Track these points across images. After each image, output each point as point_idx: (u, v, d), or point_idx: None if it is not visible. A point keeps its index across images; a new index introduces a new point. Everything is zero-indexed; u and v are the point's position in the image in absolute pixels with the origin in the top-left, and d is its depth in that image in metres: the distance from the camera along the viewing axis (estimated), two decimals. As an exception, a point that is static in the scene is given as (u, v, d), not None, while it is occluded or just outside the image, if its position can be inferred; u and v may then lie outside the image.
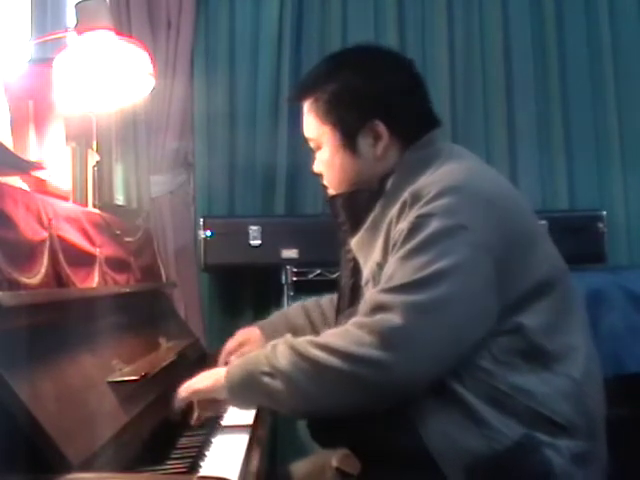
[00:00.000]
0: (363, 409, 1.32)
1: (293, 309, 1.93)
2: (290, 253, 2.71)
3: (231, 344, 1.85)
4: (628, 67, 3.11)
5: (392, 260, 1.36)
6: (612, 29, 3.10)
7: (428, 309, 1.28)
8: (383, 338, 1.27)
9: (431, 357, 1.29)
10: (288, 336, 1.40)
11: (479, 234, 1.33)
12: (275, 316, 1.92)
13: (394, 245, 1.38)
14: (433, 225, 1.33)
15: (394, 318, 1.27)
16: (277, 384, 1.32)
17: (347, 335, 1.31)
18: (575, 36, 3.11)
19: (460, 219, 1.33)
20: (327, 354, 1.29)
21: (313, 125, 1.56)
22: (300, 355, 1.32)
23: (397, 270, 1.33)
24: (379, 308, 1.30)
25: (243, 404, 1.45)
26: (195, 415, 1.47)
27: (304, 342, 1.34)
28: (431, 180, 1.41)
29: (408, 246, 1.34)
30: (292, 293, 2.73)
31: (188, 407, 1.48)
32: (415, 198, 1.38)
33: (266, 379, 1.34)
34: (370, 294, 1.37)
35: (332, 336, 1.34)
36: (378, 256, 1.45)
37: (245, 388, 1.38)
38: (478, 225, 1.34)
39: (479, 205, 1.36)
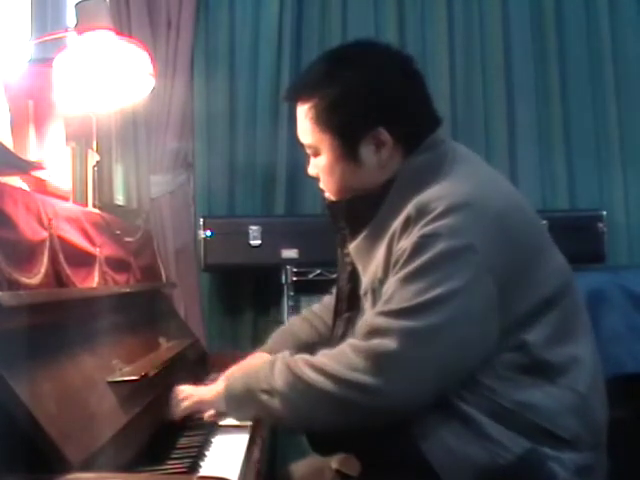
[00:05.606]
0: (357, 429, 1.32)
1: (296, 324, 1.84)
2: (290, 253, 2.71)
3: None
4: (628, 67, 3.11)
5: (392, 280, 1.33)
6: (612, 29, 3.10)
7: (423, 337, 1.27)
8: (375, 363, 1.26)
9: (422, 382, 1.28)
10: (286, 353, 1.41)
11: (484, 254, 1.29)
12: (279, 336, 1.81)
13: (395, 262, 1.34)
14: (437, 247, 1.28)
15: (389, 343, 1.26)
16: (274, 402, 1.35)
17: (342, 358, 1.31)
18: (575, 36, 3.11)
19: (466, 238, 1.29)
20: (322, 377, 1.30)
21: (311, 132, 1.46)
22: (295, 376, 1.33)
23: (396, 292, 1.30)
24: (375, 332, 1.29)
25: (241, 416, 1.46)
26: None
27: (301, 362, 1.35)
28: (438, 193, 1.34)
29: (409, 267, 1.30)
30: (292, 293, 2.73)
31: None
32: (420, 213, 1.32)
33: (264, 397, 1.36)
34: (368, 315, 1.36)
35: (328, 358, 1.33)
36: (380, 271, 1.40)
37: (244, 403, 1.41)
38: (484, 244, 1.29)
39: (487, 223, 1.32)
